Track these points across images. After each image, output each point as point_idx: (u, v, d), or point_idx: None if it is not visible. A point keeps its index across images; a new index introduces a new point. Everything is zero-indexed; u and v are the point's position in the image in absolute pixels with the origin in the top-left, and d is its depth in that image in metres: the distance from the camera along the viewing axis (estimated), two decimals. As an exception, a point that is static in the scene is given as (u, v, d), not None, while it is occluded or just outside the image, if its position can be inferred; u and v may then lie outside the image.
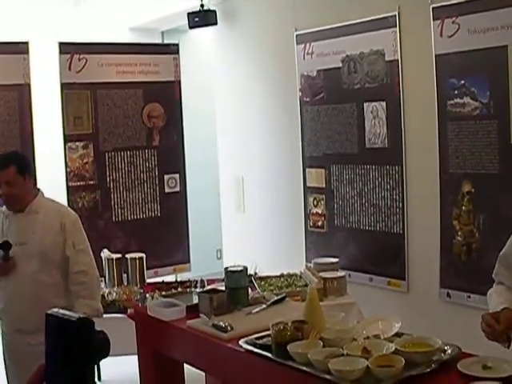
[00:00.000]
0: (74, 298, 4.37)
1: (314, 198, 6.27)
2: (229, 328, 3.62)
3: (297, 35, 6.20)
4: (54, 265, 4.39)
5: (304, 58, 6.16)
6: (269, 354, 3.23)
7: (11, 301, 4.32)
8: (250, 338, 3.45)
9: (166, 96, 6.92)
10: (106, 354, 2.01)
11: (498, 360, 2.90)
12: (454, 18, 4.80)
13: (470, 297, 4.89)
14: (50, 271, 4.37)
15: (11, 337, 4.40)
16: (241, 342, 3.43)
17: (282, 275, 5.21)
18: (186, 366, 4.21)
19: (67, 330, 1.87)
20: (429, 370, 2.86)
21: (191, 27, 6.86)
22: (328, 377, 2.87)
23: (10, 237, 4.31)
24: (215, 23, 6.85)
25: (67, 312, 1.90)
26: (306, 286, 4.87)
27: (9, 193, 4.33)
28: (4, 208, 4.40)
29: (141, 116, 6.75)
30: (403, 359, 2.85)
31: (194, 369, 4.00)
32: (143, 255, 5.32)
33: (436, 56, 4.96)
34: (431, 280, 5.15)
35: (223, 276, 4.36)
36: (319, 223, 6.24)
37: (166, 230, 6.85)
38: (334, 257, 5.73)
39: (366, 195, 5.76)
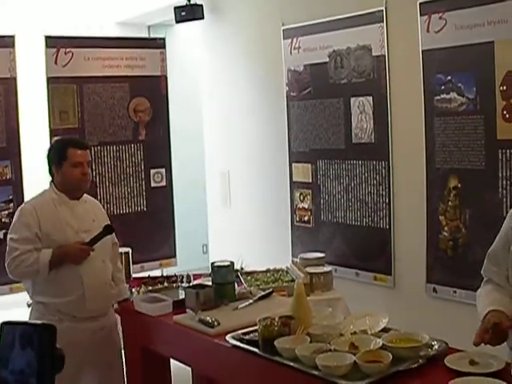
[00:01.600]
0: (119, 283, 4.56)
1: (301, 193, 6.27)
2: (215, 323, 3.62)
3: (284, 30, 6.19)
4: (109, 252, 4.54)
5: (291, 53, 6.16)
6: (256, 350, 3.23)
7: (91, 288, 4.29)
8: (236, 333, 3.46)
9: (153, 90, 6.91)
10: (60, 369, 2.05)
11: (484, 355, 2.92)
12: (440, 14, 4.80)
13: (456, 292, 4.90)
14: (109, 259, 4.50)
15: (76, 327, 4.34)
16: (227, 337, 3.43)
17: (268, 270, 5.20)
18: (172, 361, 4.21)
19: (32, 336, 1.90)
20: (416, 365, 2.87)
21: (178, 21, 6.85)
22: (315, 372, 2.88)
23: (70, 224, 4.32)
24: (202, 17, 6.83)
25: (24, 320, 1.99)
26: (293, 281, 4.86)
27: (88, 174, 4.47)
28: (55, 195, 4.38)
29: (127, 110, 6.74)
30: (390, 354, 2.86)
31: (180, 364, 4.01)
32: (129, 250, 5.30)
33: (423, 51, 4.96)
34: (417, 275, 5.16)
35: (209, 271, 4.36)
36: (305, 218, 6.24)
37: (152, 225, 6.84)
38: (320, 252, 5.73)
39: (352, 190, 5.76)
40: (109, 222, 4.49)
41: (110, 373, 4.40)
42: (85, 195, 4.52)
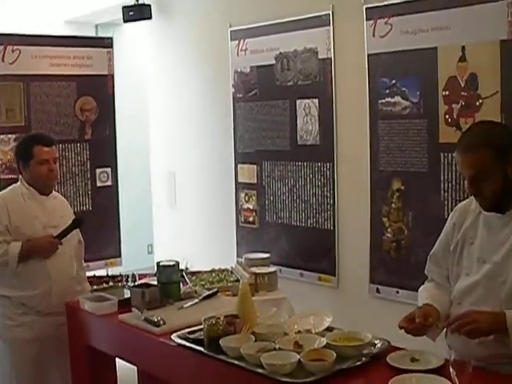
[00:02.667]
0: (82, 281, 4.64)
1: (246, 194, 6.30)
2: (161, 322, 3.64)
3: (231, 31, 6.21)
4: (75, 249, 4.61)
5: (238, 55, 6.18)
6: (201, 349, 3.26)
7: (57, 282, 4.37)
8: (182, 332, 3.48)
9: (99, 90, 6.87)
10: None
11: (425, 353, 2.99)
12: (386, 19, 4.87)
13: (398, 292, 4.97)
14: (74, 256, 4.56)
15: (41, 321, 4.38)
16: (173, 336, 3.45)
17: (213, 270, 5.21)
18: (118, 360, 4.21)
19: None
20: (359, 363, 2.93)
21: (126, 21, 6.82)
22: (260, 371, 2.91)
23: (39, 219, 4.39)
24: (150, 17, 6.82)
25: None
26: (237, 281, 4.89)
27: (56, 171, 4.51)
28: (25, 190, 4.44)
29: (73, 109, 6.68)
30: (334, 353, 2.91)
31: (126, 363, 4.01)
32: (75, 249, 5.29)
33: (368, 55, 5.03)
34: (361, 276, 5.23)
35: (154, 271, 4.37)
36: (250, 219, 6.27)
37: (97, 224, 6.78)
38: (265, 252, 5.77)
39: (297, 191, 5.80)
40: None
41: None
42: (54, 192, 4.59)
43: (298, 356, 2.90)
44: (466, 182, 2.95)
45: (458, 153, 2.95)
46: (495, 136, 2.90)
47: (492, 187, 2.87)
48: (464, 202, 3.26)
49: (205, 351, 3.22)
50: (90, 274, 5.58)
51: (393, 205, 4.99)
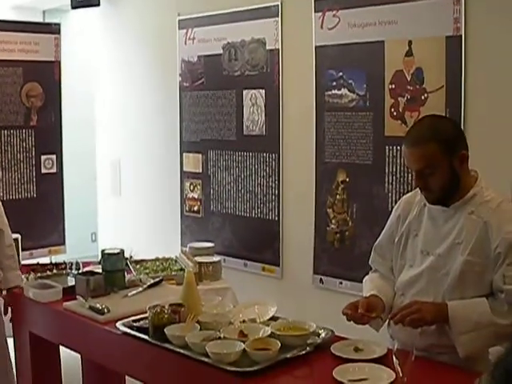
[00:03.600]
0: (7, 271, 4.41)
1: (191, 183, 6.29)
2: (105, 310, 3.63)
3: (179, 20, 6.18)
4: None
5: (185, 43, 6.16)
6: (146, 337, 3.26)
7: None
8: (126, 320, 3.47)
9: (46, 76, 6.77)
10: None
11: (368, 342, 3.04)
12: (334, 12, 4.91)
13: (341, 283, 5.03)
14: None
15: None
16: (118, 324, 3.44)
17: (157, 259, 5.20)
18: (61, 348, 4.18)
19: None
20: (304, 352, 2.96)
21: (74, 7, 6.75)
22: (205, 359, 2.92)
23: None
24: (98, 4, 6.74)
25: None
26: (182, 270, 4.89)
27: None
28: None
29: (19, 95, 6.58)
30: (279, 342, 2.93)
31: (69, 351, 3.99)
32: (18, 236, 5.21)
33: (316, 47, 5.06)
34: (305, 266, 5.27)
35: (98, 259, 4.35)
36: (195, 208, 6.27)
37: (41, 212, 6.72)
38: (209, 242, 5.78)
39: (242, 181, 5.82)
40: None
41: None
42: None
43: (243, 345, 2.92)
44: (413, 175, 2.98)
45: (406, 146, 2.96)
46: (443, 130, 2.93)
47: (439, 181, 2.90)
48: (409, 194, 3.30)
49: (150, 339, 3.22)
50: (33, 261, 5.54)
51: (337, 196, 5.04)
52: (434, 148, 2.86)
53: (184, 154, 6.32)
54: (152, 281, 4.22)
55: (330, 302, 5.05)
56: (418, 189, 3.06)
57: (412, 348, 2.52)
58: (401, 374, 2.50)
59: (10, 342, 4.37)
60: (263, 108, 5.57)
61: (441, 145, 2.86)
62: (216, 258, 5.29)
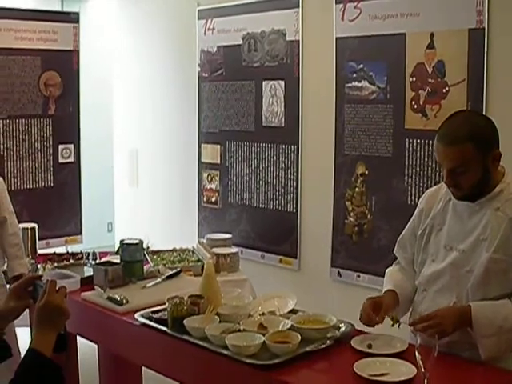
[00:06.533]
0: (11, 259, 4.47)
1: (209, 174, 6.29)
2: (124, 301, 3.62)
3: (199, 10, 6.17)
4: None
5: (205, 34, 6.14)
6: (165, 328, 3.24)
7: None
8: (145, 311, 3.46)
9: (64, 65, 6.78)
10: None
11: (388, 337, 3.01)
12: (355, 3, 4.88)
13: (359, 276, 5.01)
14: None
15: None
16: (136, 315, 3.43)
17: (174, 250, 5.20)
18: (78, 338, 4.18)
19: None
20: (323, 346, 2.94)
21: (92, -4, 6.77)
22: (224, 352, 2.91)
23: None
24: (116, -7, 6.76)
25: None
26: (199, 261, 4.89)
27: None
28: None
29: (37, 84, 6.60)
30: (299, 335, 2.91)
31: (86, 341, 3.98)
32: (35, 226, 5.23)
33: (336, 39, 5.04)
34: (322, 259, 5.25)
35: (115, 249, 4.33)
36: (213, 199, 6.26)
37: (58, 201, 6.75)
38: (226, 233, 5.78)
39: (260, 173, 5.80)
40: None
41: None
42: None
43: (263, 338, 2.90)
44: (443, 172, 2.91)
45: (441, 144, 2.87)
46: (480, 129, 2.86)
47: (470, 179, 2.85)
48: (434, 188, 3.25)
49: (168, 331, 3.21)
50: (50, 251, 5.55)
51: (356, 189, 5.02)
52: (470, 148, 2.79)
53: (202, 145, 6.32)
54: (170, 272, 4.21)
55: (347, 295, 5.04)
56: (442, 182, 3.03)
57: (435, 343, 2.49)
58: (423, 370, 2.48)
59: (24, 331, 4.36)
60: (282, 99, 5.55)
61: (477, 145, 2.80)
62: (233, 250, 5.29)
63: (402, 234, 3.31)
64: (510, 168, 2.99)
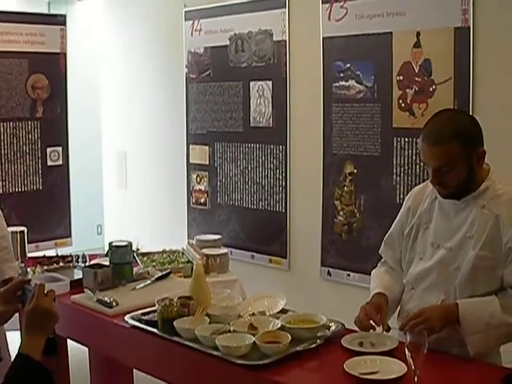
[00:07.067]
0: (1, 262, 4.36)
1: (197, 175, 6.29)
2: (114, 303, 3.61)
3: (186, 11, 6.17)
4: None
5: (192, 35, 6.14)
6: (155, 330, 3.24)
7: None
8: (135, 313, 3.46)
9: (51, 67, 6.77)
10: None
11: (379, 335, 3.02)
12: (342, 3, 4.89)
13: (349, 275, 5.02)
14: None
15: None
16: (126, 317, 3.42)
17: (164, 251, 5.19)
18: (69, 341, 4.17)
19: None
20: (314, 345, 2.94)
21: (80, -2, 6.75)
22: (215, 353, 2.91)
23: None
24: (104, -5, 6.75)
25: None
26: (189, 262, 4.88)
27: None
28: None
29: (25, 87, 6.59)
30: (289, 335, 2.91)
31: (77, 344, 3.97)
32: (24, 229, 5.21)
33: (323, 38, 5.05)
34: (312, 258, 5.26)
35: (104, 252, 4.33)
36: (202, 200, 6.26)
37: (47, 204, 6.74)
38: (216, 234, 5.77)
39: (249, 173, 5.81)
40: None
41: None
42: None
43: (253, 338, 2.90)
44: (429, 171, 2.93)
45: (426, 143, 2.88)
46: (464, 127, 2.87)
47: (456, 178, 2.86)
48: (420, 186, 3.27)
49: (159, 333, 3.20)
50: (39, 254, 5.54)
51: (345, 188, 5.03)
52: (455, 147, 2.80)
53: (190, 146, 6.32)
54: (160, 273, 4.20)
55: (337, 294, 5.05)
56: (428, 180, 3.04)
57: (424, 341, 2.50)
58: (413, 367, 2.49)
59: (15, 335, 4.35)
60: (270, 100, 5.56)
61: (462, 143, 2.81)
62: (223, 250, 5.28)
63: (389, 232, 3.31)
64: (495, 165, 3.01)
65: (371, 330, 3.02)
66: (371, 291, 3.24)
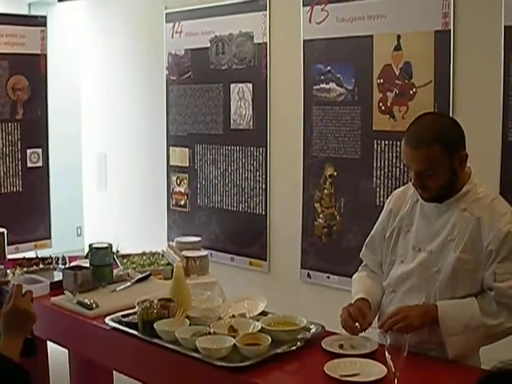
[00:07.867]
0: None
1: (177, 177, 6.28)
2: (94, 305, 3.61)
3: (166, 13, 6.16)
4: None
5: (172, 37, 6.13)
6: (135, 332, 3.23)
7: None
8: (115, 315, 3.45)
9: (32, 69, 6.74)
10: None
11: (358, 338, 3.02)
12: (323, 6, 4.90)
13: (329, 277, 5.02)
14: None
15: None
16: (106, 319, 3.42)
17: (144, 253, 5.18)
18: (49, 343, 4.16)
19: None
20: (294, 347, 2.94)
21: (60, 0, 6.71)
22: (195, 355, 2.91)
23: None
24: (85, -3, 6.73)
25: None
26: (169, 264, 4.88)
27: None
28: None
29: (5, 88, 6.56)
30: (269, 337, 2.92)
31: (57, 346, 3.96)
32: (4, 230, 5.19)
33: (304, 41, 5.05)
34: (292, 261, 5.26)
35: (84, 253, 4.31)
36: (182, 202, 6.25)
37: (27, 206, 6.71)
38: (196, 236, 5.76)
39: (229, 175, 5.80)
40: None
41: None
42: None
43: (233, 340, 2.90)
44: (411, 174, 2.93)
45: (408, 147, 2.87)
46: (446, 131, 2.88)
47: (438, 181, 2.86)
48: (401, 188, 3.27)
49: (139, 335, 3.20)
50: (19, 255, 5.51)
51: (325, 191, 5.03)
52: (437, 150, 2.80)
53: (171, 148, 6.31)
54: (140, 275, 4.20)
55: (317, 296, 5.06)
56: (410, 183, 3.04)
57: (404, 343, 2.51)
58: (393, 369, 2.50)
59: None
60: (250, 102, 5.56)
61: (444, 147, 2.81)
62: (203, 252, 5.27)
63: (371, 235, 3.31)
64: (477, 169, 3.02)
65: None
66: (353, 296, 3.23)
